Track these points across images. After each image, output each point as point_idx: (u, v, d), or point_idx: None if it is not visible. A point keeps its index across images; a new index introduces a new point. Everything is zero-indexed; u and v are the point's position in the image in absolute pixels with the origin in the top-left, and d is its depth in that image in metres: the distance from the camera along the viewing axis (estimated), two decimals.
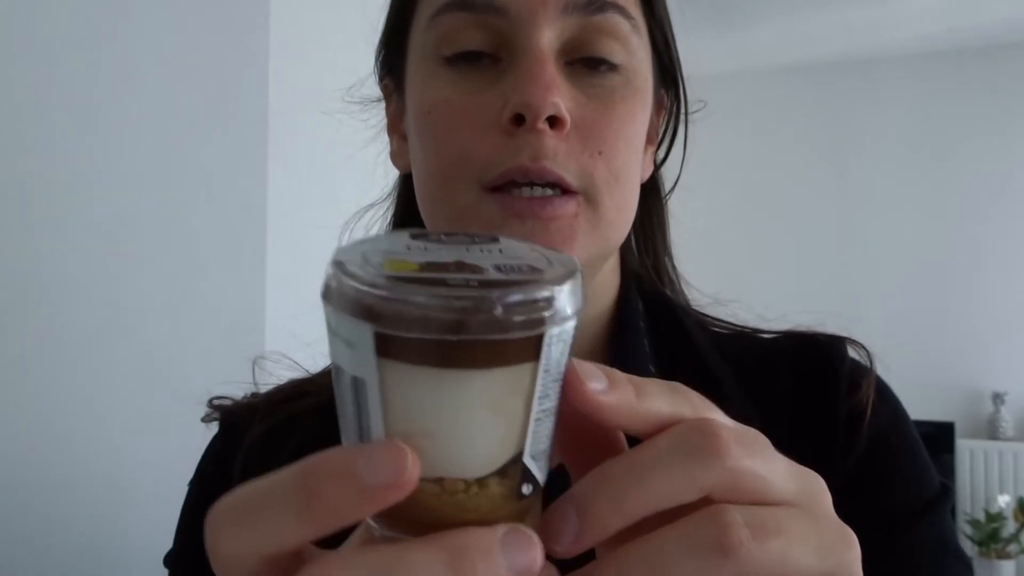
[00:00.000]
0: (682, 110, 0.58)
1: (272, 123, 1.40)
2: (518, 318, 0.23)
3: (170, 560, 0.58)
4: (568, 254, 0.27)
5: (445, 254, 0.26)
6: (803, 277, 3.74)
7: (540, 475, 0.26)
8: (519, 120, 0.45)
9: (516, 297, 0.23)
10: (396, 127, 0.57)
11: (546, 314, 0.23)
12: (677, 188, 0.63)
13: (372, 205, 0.64)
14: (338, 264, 0.24)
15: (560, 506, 0.25)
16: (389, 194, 0.63)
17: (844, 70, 3.88)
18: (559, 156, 0.45)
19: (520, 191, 0.45)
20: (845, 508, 0.54)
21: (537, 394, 0.24)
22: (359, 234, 0.62)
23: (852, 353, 0.55)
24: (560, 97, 0.45)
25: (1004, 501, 3.21)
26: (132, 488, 1.15)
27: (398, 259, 0.25)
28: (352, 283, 0.23)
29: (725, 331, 0.59)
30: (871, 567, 0.32)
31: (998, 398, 3.49)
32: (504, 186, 0.46)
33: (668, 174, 0.61)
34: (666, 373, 0.54)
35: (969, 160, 3.66)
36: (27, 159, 1.03)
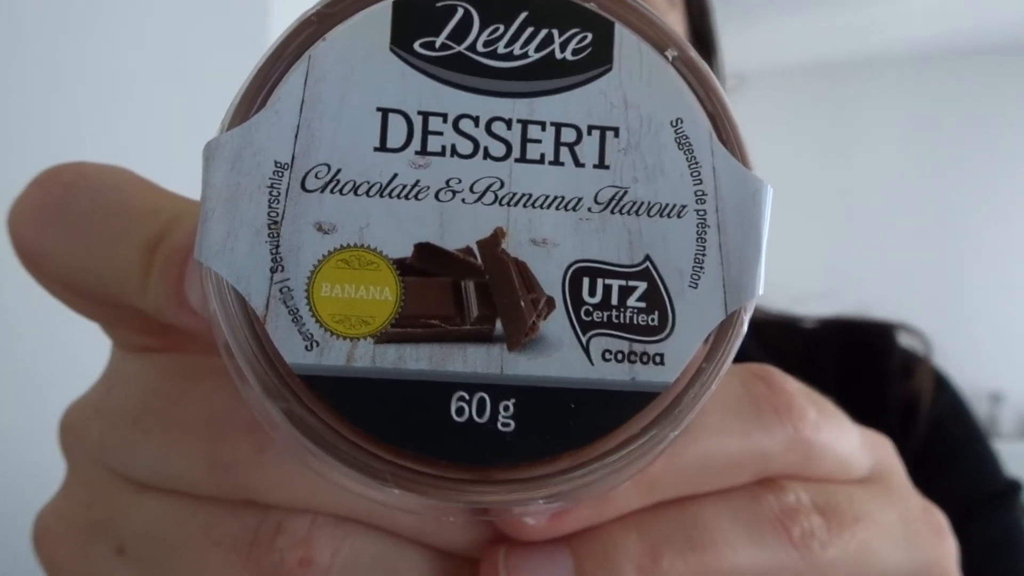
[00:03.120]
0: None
1: None
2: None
3: None
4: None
5: (465, 187, 0.15)
6: (800, 276, 3.71)
7: None
8: None
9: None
10: None
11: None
12: None
13: None
14: (224, 295, 0.14)
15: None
16: None
17: (844, 70, 3.86)
18: None
19: None
20: None
21: None
22: None
23: (905, 341, 0.52)
24: None
25: None
26: None
27: (355, 252, 0.15)
28: (254, 388, 0.14)
29: (760, 318, 0.56)
30: None
31: (995, 398, 3.48)
32: None
33: None
34: None
35: (968, 160, 3.64)
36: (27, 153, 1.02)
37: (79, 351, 1.11)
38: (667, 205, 0.15)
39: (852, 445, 0.21)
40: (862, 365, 0.49)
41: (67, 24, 1.09)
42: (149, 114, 1.22)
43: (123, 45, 1.17)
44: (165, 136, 1.24)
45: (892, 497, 0.21)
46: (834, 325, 0.55)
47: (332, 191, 0.14)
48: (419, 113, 0.15)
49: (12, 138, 1.02)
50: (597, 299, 0.15)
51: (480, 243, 0.15)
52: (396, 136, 0.15)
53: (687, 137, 0.15)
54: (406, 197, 0.15)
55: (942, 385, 0.51)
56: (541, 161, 0.15)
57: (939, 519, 0.23)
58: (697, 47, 0.52)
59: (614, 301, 0.15)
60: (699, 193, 0.15)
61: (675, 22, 0.47)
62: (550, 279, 0.15)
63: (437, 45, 0.15)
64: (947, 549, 0.22)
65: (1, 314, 1.02)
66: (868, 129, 3.83)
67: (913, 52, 3.71)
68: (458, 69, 0.15)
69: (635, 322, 0.15)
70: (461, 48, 0.15)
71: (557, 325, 0.15)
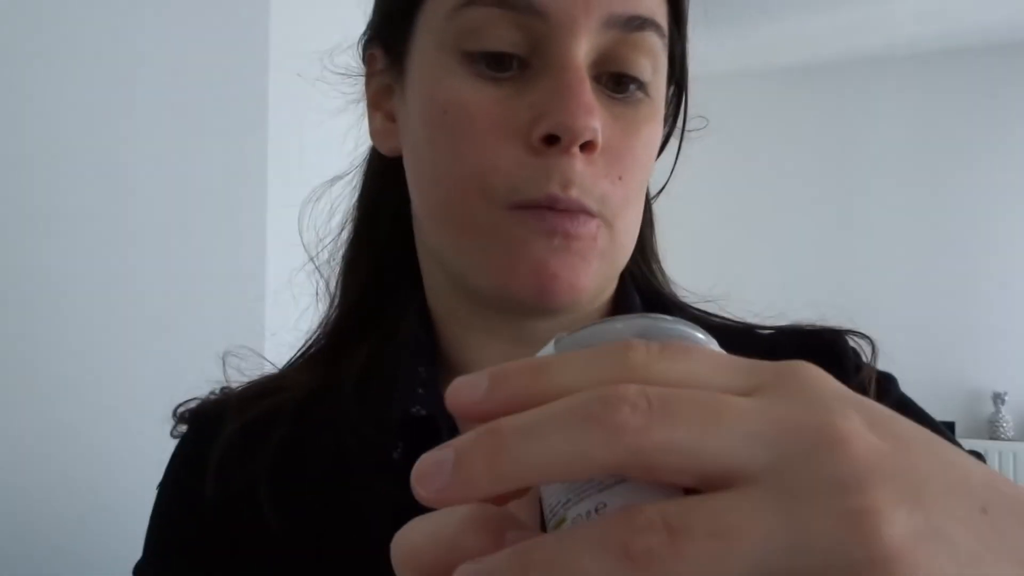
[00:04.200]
0: (678, 122, 0.56)
1: (272, 115, 1.37)
2: None
3: (140, 571, 0.54)
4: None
5: None
6: (802, 278, 3.72)
7: None
8: (551, 140, 0.43)
9: None
10: (380, 104, 0.53)
11: None
12: (681, 192, 0.62)
13: (339, 178, 0.60)
14: None
15: (441, 451, 0.21)
16: (359, 167, 0.59)
17: (844, 70, 3.86)
18: (586, 182, 0.44)
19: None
20: None
21: None
22: (323, 209, 0.59)
23: (854, 344, 0.54)
24: (599, 122, 0.43)
25: None
26: (129, 490, 1.13)
27: None
28: None
29: (722, 326, 0.57)
30: None
31: (998, 398, 3.47)
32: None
33: (659, 174, 0.60)
34: None
35: (969, 160, 3.64)
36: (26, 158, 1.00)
37: (76, 354, 1.09)
38: None
39: (711, 362, 0.22)
40: (821, 366, 0.50)
41: (67, 24, 1.07)
42: (149, 113, 1.20)
43: (123, 44, 1.16)
44: (165, 134, 1.23)
45: (770, 400, 0.21)
46: (790, 331, 0.57)
47: None
48: None
49: (12, 138, 1.00)
50: None
51: None
52: None
53: None
54: None
55: (890, 382, 0.53)
56: None
57: (831, 430, 0.20)
58: (676, 91, 0.52)
59: None
60: None
61: (663, 64, 0.49)
62: None
63: None
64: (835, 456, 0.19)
65: (2, 315, 1.01)
66: (868, 129, 3.82)
67: (913, 52, 3.70)
68: None
69: None
70: None
71: None
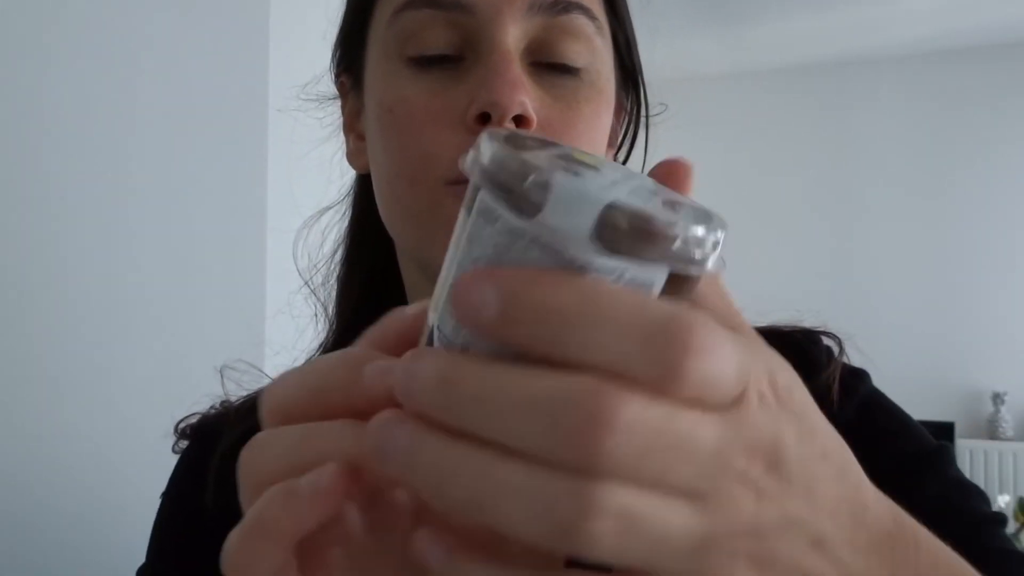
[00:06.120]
0: (642, 113, 0.58)
1: (272, 121, 1.39)
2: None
3: (143, 573, 0.56)
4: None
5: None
6: (803, 278, 3.73)
7: None
8: (485, 119, 0.44)
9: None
10: (353, 126, 0.56)
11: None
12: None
13: (329, 207, 0.62)
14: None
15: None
16: (346, 195, 0.61)
17: (844, 70, 3.87)
18: None
19: None
20: None
21: None
22: (315, 238, 0.60)
23: (829, 344, 0.55)
24: (527, 96, 0.45)
25: (1004, 501, 3.19)
26: (129, 491, 1.14)
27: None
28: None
29: None
30: None
31: (998, 398, 3.47)
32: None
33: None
34: None
35: (969, 160, 3.65)
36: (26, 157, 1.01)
37: (81, 352, 1.10)
38: None
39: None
40: (796, 360, 0.52)
41: (68, 24, 1.08)
42: (149, 111, 1.21)
43: (123, 43, 1.17)
44: (164, 133, 1.24)
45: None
46: (766, 332, 0.57)
47: None
48: None
49: (13, 137, 1.01)
50: None
51: None
52: None
53: None
54: None
55: (859, 378, 0.54)
56: None
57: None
58: (622, 79, 0.53)
59: None
60: None
61: (603, 48, 0.50)
62: None
63: None
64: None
65: (3, 314, 1.02)
66: (868, 129, 3.83)
67: (913, 52, 3.72)
68: None
69: None
70: None
71: None
